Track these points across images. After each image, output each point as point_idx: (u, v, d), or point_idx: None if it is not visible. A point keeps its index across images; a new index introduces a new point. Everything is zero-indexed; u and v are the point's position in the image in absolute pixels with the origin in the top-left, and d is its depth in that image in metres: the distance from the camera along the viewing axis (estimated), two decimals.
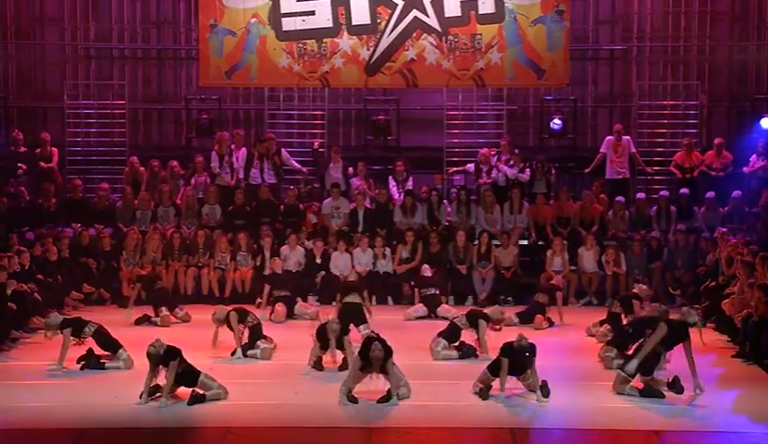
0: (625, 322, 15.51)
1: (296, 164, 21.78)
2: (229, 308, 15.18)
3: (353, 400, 12.34)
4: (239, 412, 12.00)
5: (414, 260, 19.37)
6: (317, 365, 14.00)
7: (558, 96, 22.66)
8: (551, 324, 17.10)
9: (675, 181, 21.40)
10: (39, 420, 11.67)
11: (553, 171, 21.38)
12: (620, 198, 20.70)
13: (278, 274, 18.14)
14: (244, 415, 11.89)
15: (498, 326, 14.89)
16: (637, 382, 12.68)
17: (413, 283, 18.65)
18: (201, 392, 12.39)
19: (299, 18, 21.61)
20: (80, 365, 14.00)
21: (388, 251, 19.63)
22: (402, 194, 20.82)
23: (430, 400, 12.38)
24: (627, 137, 21.57)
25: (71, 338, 14.19)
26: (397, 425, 11.59)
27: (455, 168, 22.09)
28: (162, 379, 12.41)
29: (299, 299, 18.12)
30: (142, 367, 13.18)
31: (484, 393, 12.49)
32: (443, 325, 15.34)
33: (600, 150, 21.48)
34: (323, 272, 19.22)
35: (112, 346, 14.19)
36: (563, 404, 12.25)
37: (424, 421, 11.67)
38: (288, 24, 21.63)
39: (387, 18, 21.57)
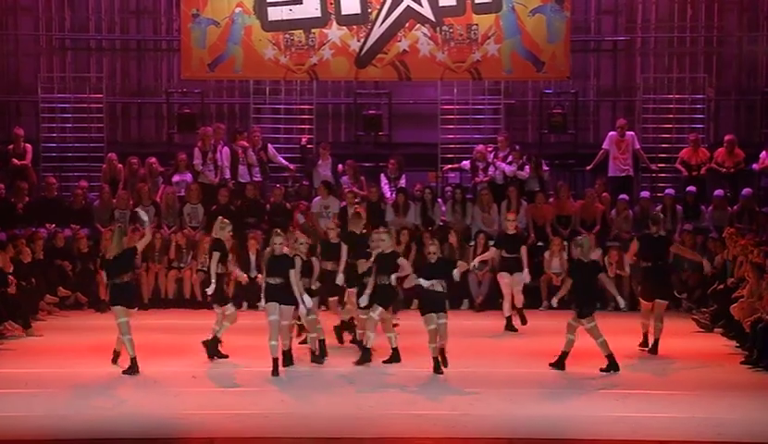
0: None
1: (283, 161, 21.76)
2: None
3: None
4: (222, 422, 11.94)
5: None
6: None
7: (558, 90, 22.66)
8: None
9: (682, 179, 21.42)
10: (10, 431, 11.59)
11: (545, 167, 21.35)
12: (623, 196, 20.70)
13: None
14: (228, 425, 11.83)
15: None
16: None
17: None
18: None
19: (286, 7, 21.60)
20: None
21: None
22: (395, 193, 20.79)
23: (427, 410, 12.35)
24: (631, 132, 21.58)
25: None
26: (392, 435, 11.56)
27: (450, 166, 22.09)
28: None
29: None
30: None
31: None
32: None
33: (603, 146, 21.50)
34: None
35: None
36: (565, 413, 12.22)
37: (420, 431, 11.64)
38: (274, 14, 21.61)
39: (378, 7, 21.58)
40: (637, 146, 21.50)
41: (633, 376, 13.96)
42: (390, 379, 13.54)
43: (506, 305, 17.38)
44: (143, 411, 12.21)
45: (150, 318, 17.42)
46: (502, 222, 19.08)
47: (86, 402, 12.60)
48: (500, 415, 12.16)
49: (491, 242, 17.96)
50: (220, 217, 15.36)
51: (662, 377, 13.81)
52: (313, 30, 21.67)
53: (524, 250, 17.16)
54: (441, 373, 13.83)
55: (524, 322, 17.31)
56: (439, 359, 13.91)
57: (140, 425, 11.77)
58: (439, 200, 20.91)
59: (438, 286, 13.99)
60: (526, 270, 17.10)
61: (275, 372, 13.70)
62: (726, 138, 21.44)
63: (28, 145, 21.49)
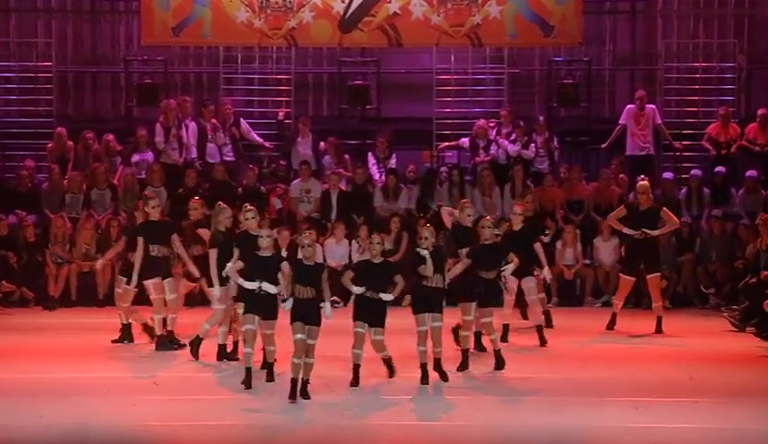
0: None
1: (257, 138, 21.78)
2: None
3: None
4: (185, 433, 11.89)
5: (399, 253, 19.28)
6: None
7: (569, 57, 22.72)
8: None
9: (709, 158, 21.47)
10: None
11: (557, 144, 21.35)
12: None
13: None
14: (192, 437, 11.79)
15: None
16: None
17: None
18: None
19: None
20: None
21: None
22: (384, 174, 20.81)
23: (418, 420, 12.35)
24: (652, 106, 21.61)
25: None
26: None
27: (447, 144, 22.14)
28: None
29: None
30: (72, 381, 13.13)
31: None
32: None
33: (620, 121, 21.55)
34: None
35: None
36: (573, 424, 12.21)
37: (411, 443, 11.61)
38: None
39: None
40: (659, 121, 21.54)
41: (651, 382, 13.94)
42: (377, 386, 13.51)
43: (506, 310, 16.13)
44: (99, 421, 12.15)
45: (106, 317, 17.36)
46: (508, 213, 19.00)
47: (38, 411, 12.54)
48: (500, 426, 12.14)
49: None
50: (247, 204, 14.67)
51: (685, 383, 13.78)
52: None
53: (538, 247, 15.84)
54: (427, 383, 13.64)
55: (543, 343, 15.82)
56: (428, 368, 13.64)
57: (96, 437, 11.72)
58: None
59: (437, 281, 13.52)
60: (546, 268, 15.79)
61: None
62: (760, 112, 21.51)
63: None
